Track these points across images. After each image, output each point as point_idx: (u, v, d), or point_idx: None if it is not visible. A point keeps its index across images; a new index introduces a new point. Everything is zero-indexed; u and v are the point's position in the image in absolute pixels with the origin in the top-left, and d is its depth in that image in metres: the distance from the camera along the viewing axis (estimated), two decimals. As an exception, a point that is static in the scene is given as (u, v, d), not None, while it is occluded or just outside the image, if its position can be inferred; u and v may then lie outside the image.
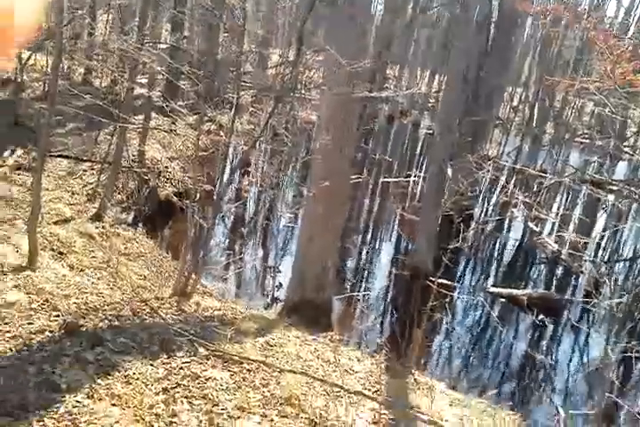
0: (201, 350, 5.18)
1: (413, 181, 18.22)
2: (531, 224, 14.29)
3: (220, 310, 7.24)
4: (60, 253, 7.93)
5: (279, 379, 5.04)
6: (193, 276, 7.27)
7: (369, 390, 5.59)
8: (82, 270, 7.63)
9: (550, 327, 9.84)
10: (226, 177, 15.07)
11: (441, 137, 12.29)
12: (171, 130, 16.22)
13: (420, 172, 19.98)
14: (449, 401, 6.22)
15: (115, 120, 9.11)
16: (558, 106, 29.17)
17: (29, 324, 4.88)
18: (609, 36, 6.13)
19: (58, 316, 5.11)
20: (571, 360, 9.07)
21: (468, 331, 9.57)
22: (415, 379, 6.53)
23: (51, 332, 4.79)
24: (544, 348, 9.32)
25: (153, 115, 15.23)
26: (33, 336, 4.68)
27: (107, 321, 5.29)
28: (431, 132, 26.53)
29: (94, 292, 6.11)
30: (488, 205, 17.20)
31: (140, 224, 11.27)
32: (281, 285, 9.82)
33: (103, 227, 9.89)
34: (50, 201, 10.62)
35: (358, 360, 6.69)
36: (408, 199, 17.16)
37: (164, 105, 8.70)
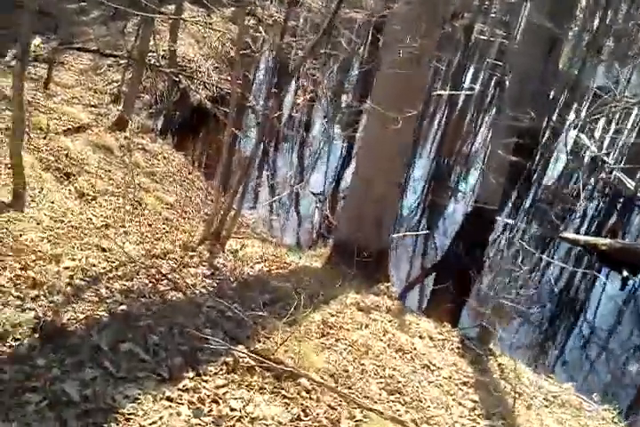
0: (242, 354, 3.41)
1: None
2: (604, 157, 12.00)
3: (261, 260, 5.49)
4: (67, 174, 6.05)
5: (351, 410, 3.30)
6: (229, 215, 5.44)
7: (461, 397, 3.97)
8: (93, 199, 5.80)
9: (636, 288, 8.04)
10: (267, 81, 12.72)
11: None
12: (206, 23, 13.62)
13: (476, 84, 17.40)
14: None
15: (142, 9, 6.80)
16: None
17: (-11, 319, 3.07)
18: None
19: (35, 298, 3.28)
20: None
21: (544, 289, 7.66)
22: (499, 363, 5.01)
23: (17, 339, 2.90)
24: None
25: (186, 4, 12.68)
26: (-12, 347, 2.87)
27: (107, 307, 3.45)
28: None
29: (100, 244, 4.28)
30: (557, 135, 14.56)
31: (169, 134, 9.27)
32: (327, 218, 7.98)
33: (125, 137, 7.91)
34: (66, 102, 8.57)
35: (431, 339, 5.13)
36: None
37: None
